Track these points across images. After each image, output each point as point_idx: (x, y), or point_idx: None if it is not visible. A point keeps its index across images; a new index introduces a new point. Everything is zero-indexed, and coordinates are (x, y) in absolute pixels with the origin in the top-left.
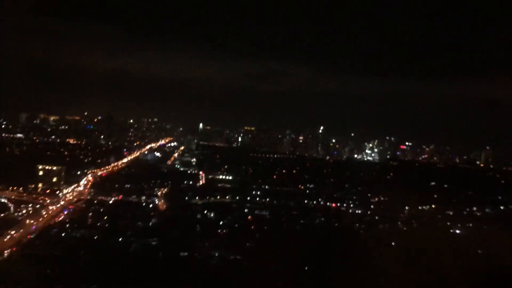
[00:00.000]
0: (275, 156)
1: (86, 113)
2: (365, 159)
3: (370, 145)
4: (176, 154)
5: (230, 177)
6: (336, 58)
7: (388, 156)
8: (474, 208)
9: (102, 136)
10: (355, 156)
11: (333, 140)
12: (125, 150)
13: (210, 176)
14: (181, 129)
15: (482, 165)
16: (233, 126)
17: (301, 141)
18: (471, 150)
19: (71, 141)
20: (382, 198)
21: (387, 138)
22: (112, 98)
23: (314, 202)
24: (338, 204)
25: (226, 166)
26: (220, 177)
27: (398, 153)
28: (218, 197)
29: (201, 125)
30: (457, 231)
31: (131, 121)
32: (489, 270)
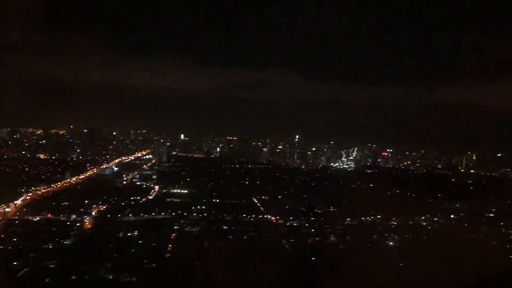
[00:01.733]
0: (249, 166)
1: (72, 127)
2: (341, 167)
3: (348, 153)
4: (143, 167)
5: (186, 191)
6: (322, 67)
7: (368, 164)
8: (423, 217)
9: (78, 150)
10: (332, 164)
11: (313, 149)
12: (88, 164)
13: (164, 190)
14: (162, 140)
15: (462, 170)
16: (218, 136)
17: (278, 150)
18: (454, 155)
19: (42, 156)
20: (331, 209)
21: (369, 145)
22: (102, 110)
23: (253, 216)
24: (277, 217)
25: (188, 179)
26: (175, 191)
27: (379, 160)
28: (154, 213)
29: (182, 136)
30: (391, 243)
31: (114, 133)
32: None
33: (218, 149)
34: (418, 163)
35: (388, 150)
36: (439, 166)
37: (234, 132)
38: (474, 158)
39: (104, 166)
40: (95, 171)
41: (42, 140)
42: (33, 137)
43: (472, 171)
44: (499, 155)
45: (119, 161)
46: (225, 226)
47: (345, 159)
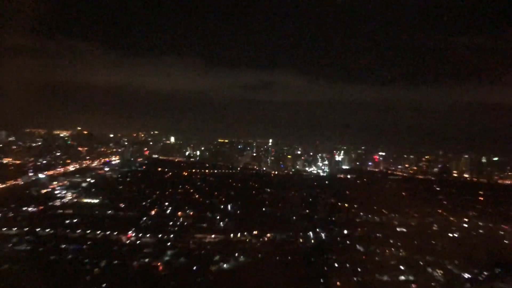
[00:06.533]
0: (215, 171)
1: (79, 128)
2: (315, 172)
3: (324, 157)
4: (93, 173)
5: (96, 201)
6: (328, 69)
7: (350, 168)
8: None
9: (58, 154)
10: (306, 169)
11: (297, 152)
12: (31, 169)
13: (75, 200)
14: (151, 143)
15: (456, 174)
16: (211, 138)
17: (255, 154)
18: (452, 159)
19: (6, 160)
20: (220, 224)
21: (363, 147)
22: (110, 112)
23: (109, 232)
24: (134, 234)
25: (120, 187)
26: (86, 200)
27: (370, 163)
28: (7, 228)
29: (172, 138)
30: (225, 265)
31: (112, 135)
32: None
33: (198, 153)
34: (415, 167)
35: (380, 153)
36: (435, 170)
37: (233, 134)
38: (469, 162)
39: (49, 172)
40: (24, 178)
41: (38, 143)
42: (32, 139)
43: (465, 175)
44: (496, 159)
45: (78, 165)
46: (64, 244)
47: (320, 164)
